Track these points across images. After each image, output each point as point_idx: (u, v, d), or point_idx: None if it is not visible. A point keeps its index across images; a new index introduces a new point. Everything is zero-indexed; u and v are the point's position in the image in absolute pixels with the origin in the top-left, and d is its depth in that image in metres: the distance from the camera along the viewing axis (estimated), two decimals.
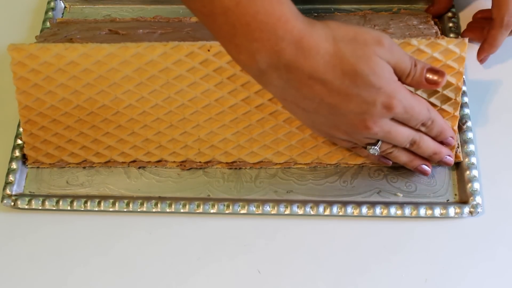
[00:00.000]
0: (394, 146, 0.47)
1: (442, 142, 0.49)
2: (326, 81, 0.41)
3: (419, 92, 0.49)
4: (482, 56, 0.55)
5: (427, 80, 0.44)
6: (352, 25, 0.42)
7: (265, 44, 0.40)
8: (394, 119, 0.45)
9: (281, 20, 0.40)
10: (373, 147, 0.47)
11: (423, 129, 0.47)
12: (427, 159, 0.50)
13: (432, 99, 0.49)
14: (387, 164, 0.51)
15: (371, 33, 0.42)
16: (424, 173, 0.51)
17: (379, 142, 0.46)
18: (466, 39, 0.48)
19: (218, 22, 0.41)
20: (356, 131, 0.44)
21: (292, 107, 0.45)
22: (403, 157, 0.49)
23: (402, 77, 0.44)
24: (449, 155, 0.50)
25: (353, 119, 0.43)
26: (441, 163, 0.50)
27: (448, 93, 0.49)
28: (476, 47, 0.57)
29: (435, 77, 0.44)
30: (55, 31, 0.58)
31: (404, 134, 0.46)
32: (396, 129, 0.45)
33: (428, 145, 0.48)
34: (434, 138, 0.49)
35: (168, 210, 0.52)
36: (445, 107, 0.50)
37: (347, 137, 0.46)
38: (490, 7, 0.56)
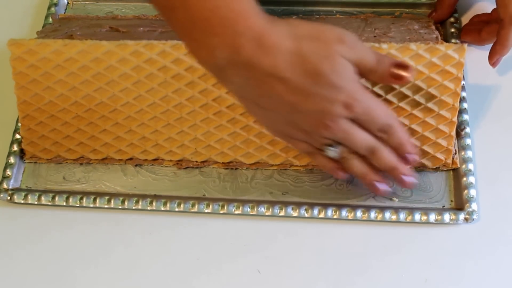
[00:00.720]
0: (353, 152, 0.45)
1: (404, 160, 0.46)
2: (286, 79, 0.40)
3: (416, 97, 0.48)
4: (494, 59, 0.53)
5: (393, 75, 0.43)
6: (315, 22, 0.41)
7: (225, 40, 0.39)
8: (354, 122, 0.43)
9: (242, 16, 0.39)
10: (331, 148, 0.45)
11: (382, 135, 0.45)
12: (386, 177, 0.47)
13: (430, 104, 0.49)
14: (341, 178, 0.48)
15: (333, 31, 0.41)
16: (375, 191, 0.47)
17: (338, 146, 0.45)
18: (465, 45, 0.48)
19: (178, 16, 0.40)
20: (315, 130, 0.43)
21: (250, 105, 0.44)
22: (359, 167, 0.46)
23: (366, 74, 0.43)
24: (407, 175, 0.46)
25: (312, 117, 0.42)
26: (399, 182, 0.47)
27: (446, 98, 0.49)
28: (477, 51, 0.57)
29: (401, 72, 0.43)
30: (57, 27, 0.58)
31: (363, 137, 0.44)
32: (355, 130, 0.43)
33: (388, 156, 0.45)
34: (395, 150, 0.46)
35: (162, 209, 0.52)
36: (442, 112, 0.49)
37: (305, 137, 0.45)
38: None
